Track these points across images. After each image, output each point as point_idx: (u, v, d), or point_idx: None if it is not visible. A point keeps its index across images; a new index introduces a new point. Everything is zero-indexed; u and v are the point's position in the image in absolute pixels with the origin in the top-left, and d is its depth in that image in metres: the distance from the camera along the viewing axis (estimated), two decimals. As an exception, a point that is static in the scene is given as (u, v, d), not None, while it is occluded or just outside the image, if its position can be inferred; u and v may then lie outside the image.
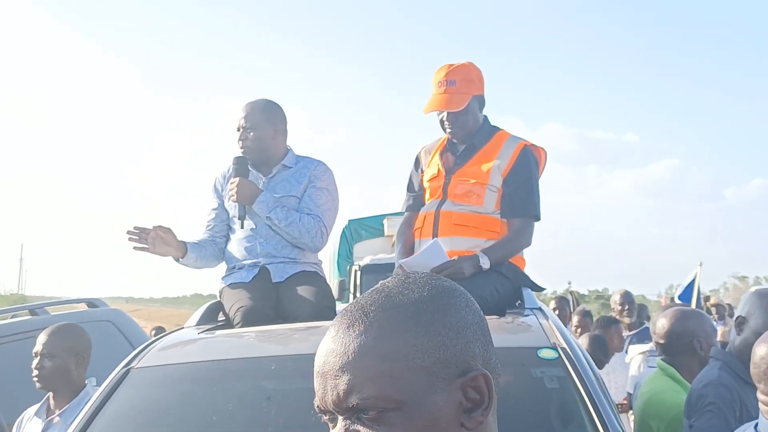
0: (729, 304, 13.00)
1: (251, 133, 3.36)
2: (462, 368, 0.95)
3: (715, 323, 7.97)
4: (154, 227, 3.18)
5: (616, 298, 6.91)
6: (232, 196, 3.29)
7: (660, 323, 3.27)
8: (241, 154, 3.37)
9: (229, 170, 3.48)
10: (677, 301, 9.75)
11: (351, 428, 0.95)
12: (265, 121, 3.40)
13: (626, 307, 6.68)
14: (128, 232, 3.16)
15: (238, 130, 3.38)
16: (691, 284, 10.19)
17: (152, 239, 3.16)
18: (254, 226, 3.35)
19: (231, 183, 3.31)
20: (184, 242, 3.30)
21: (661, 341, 3.25)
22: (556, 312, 6.84)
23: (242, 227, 3.32)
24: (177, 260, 3.32)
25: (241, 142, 3.37)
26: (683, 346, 3.17)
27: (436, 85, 3.26)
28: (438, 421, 0.93)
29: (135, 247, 3.17)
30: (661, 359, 3.27)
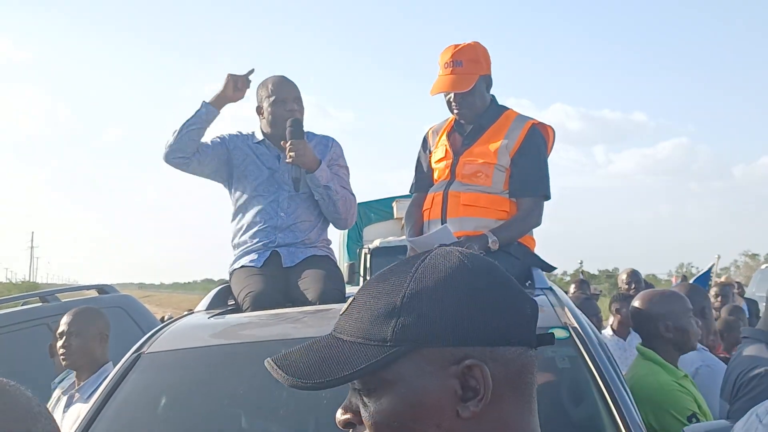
0: (738, 282, 12.87)
1: (300, 108, 3.36)
2: (457, 356, 0.94)
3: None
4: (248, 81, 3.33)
5: (623, 277, 6.83)
6: (294, 157, 3.18)
7: (631, 306, 3.21)
8: (296, 118, 3.30)
9: (238, 134, 3.46)
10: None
11: (351, 399, 0.99)
12: (301, 98, 3.42)
13: (633, 285, 6.59)
14: (251, 70, 3.36)
15: (283, 104, 3.33)
16: (707, 273, 10.30)
17: (240, 83, 3.30)
18: (278, 195, 3.32)
19: (293, 144, 3.19)
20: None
21: (635, 325, 3.18)
22: (578, 294, 6.76)
23: (298, 190, 3.26)
24: (206, 106, 3.30)
25: (288, 113, 3.31)
26: (651, 330, 3.10)
27: (442, 66, 3.24)
28: (424, 406, 0.93)
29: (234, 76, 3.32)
30: (640, 343, 3.23)
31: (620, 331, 5.46)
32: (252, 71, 3.31)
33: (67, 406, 3.39)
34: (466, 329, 0.94)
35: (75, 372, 3.47)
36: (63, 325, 3.44)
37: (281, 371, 0.96)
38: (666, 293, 3.25)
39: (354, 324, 0.97)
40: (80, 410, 3.13)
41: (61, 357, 3.43)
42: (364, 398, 0.95)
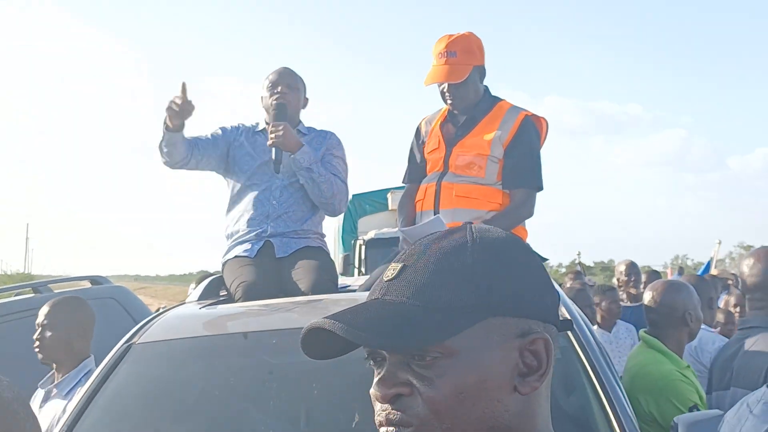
0: (734, 274, 12.88)
1: (291, 94, 3.35)
2: (522, 328, 0.92)
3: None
4: (189, 102, 3.04)
5: (621, 269, 6.80)
6: (275, 139, 3.17)
7: (649, 296, 3.25)
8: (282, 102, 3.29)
9: (239, 126, 3.45)
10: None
11: (396, 372, 0.91)
12: (302, 87, 3.43)
13: (632, 278, 6.57)
14: (183, 86, 3.01)
15: (274, 88, 3.33)
16: (708, 264, 10.46)
17: (182, 107, 3.02)
18: (271, 184, 3.31)
19: (275, 126, 3.19)
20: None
21: (653, 314, 3.23)
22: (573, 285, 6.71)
23: (278, 172, 3.24)
24: (168, 129, 3.12)
25: (278, 95, 3.32)
26: (675, 319, 3.15)
27: (436, 57, 3.23)
28: (490, 378, 0.89)
29: (172, 103, 3.02)
30: (644, 331, 3.25)
31: (604, 324, 5.46)
32: (184, 85, 3.04)
33: (44, 401, 3.20)
34: (529, 302, 0.93)
35: (54, 366, 3.28)
36: (39, 316, 3.26)
37: (345, 325, 0.87)
38: (685, 285, 3.35)
39: (415, 290, 0.91)
40: (57, 407, 3.03)
41: (36, 349, 3.23)
42: (420, 370, 0.89)
